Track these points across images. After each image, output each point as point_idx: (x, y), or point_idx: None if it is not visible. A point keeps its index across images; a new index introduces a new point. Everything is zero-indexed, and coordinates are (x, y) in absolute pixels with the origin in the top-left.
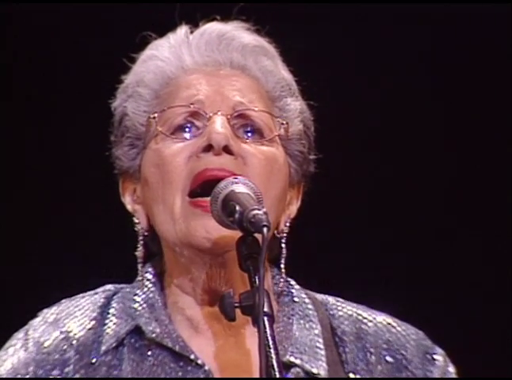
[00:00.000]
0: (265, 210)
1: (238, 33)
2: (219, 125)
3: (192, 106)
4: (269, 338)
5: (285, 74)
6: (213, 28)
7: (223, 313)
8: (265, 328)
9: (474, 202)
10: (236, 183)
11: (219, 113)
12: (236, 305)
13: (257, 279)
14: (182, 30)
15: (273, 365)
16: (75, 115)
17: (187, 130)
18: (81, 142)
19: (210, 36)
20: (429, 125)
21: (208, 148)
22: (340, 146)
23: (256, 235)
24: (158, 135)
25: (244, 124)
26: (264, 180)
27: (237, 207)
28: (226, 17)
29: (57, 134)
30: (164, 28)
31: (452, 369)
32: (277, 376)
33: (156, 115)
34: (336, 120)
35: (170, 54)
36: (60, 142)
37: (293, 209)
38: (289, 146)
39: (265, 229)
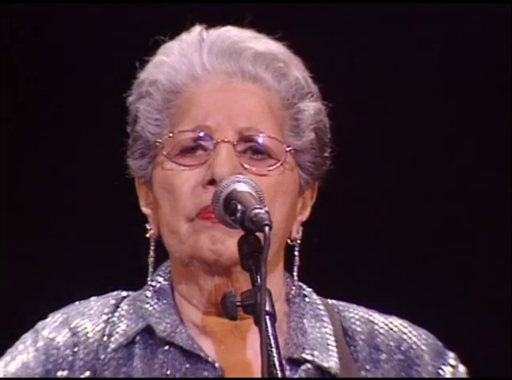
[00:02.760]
0: (266, 209)
1: (249, 42)
2: (224, 157)
3: (199, 132)
4: (271, 337)
5: (298, 74)
6: (224, 36)
7: (225, 312)
8: (266, 326)
9: (478, 202)
10: (238, 182)
11: (225, 139)
12: (238, 304)
13: (258, 278)
14: (194, 38)
15: (274, 364)
16: (85, 118)
17: (196, 153)
18: (90, 144)
19: (221, 46)
20: (443, 125)
21: (213, 181)
22: (352, 148)
23: (258, 234)
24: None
25: (251, 146)
26: (268, 206)
27: (238, 206)
28: (238, 20)
29: (67, 137)
30: (176, 29)
31: (463, 370)
32: (279, 375)
33: (164, 139)
34: (346, 122)
35: (181, 63)
36: (70, 146)
37: (305, 213)
38: (300, 157)
39: (266, 228)
